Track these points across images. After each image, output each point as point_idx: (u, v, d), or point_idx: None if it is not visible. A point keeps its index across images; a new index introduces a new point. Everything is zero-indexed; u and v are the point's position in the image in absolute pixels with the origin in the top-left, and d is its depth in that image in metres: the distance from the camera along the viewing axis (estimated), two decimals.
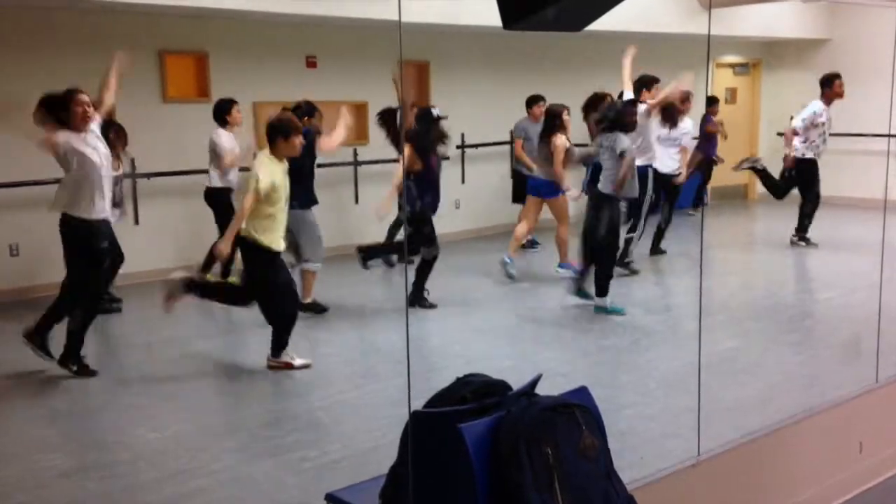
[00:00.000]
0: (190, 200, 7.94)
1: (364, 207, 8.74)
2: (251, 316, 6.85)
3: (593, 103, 7.35)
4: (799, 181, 8.63)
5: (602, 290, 6.45)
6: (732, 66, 12.73)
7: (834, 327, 6.48)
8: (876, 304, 4.83)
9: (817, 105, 8.47)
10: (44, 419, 4.69)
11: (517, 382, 2.55)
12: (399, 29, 2.94)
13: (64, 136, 5.01)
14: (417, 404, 2.48)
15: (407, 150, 6.38)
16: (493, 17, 3.51)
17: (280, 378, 5.25)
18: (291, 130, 5.24)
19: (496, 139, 10.07)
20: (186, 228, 7.94)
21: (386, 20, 6.98)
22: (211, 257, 7.04)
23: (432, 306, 6.62)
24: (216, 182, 7.14)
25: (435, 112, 6.52)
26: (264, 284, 5.26)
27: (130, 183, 7.64)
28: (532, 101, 8.83)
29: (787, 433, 3.58)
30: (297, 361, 5.30)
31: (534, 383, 2.56)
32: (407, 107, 7.57)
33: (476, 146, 10.03)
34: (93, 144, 5.10)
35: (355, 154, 8.92)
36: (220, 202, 7.11)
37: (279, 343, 5.30)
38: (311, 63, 8.71)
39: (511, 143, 9.90)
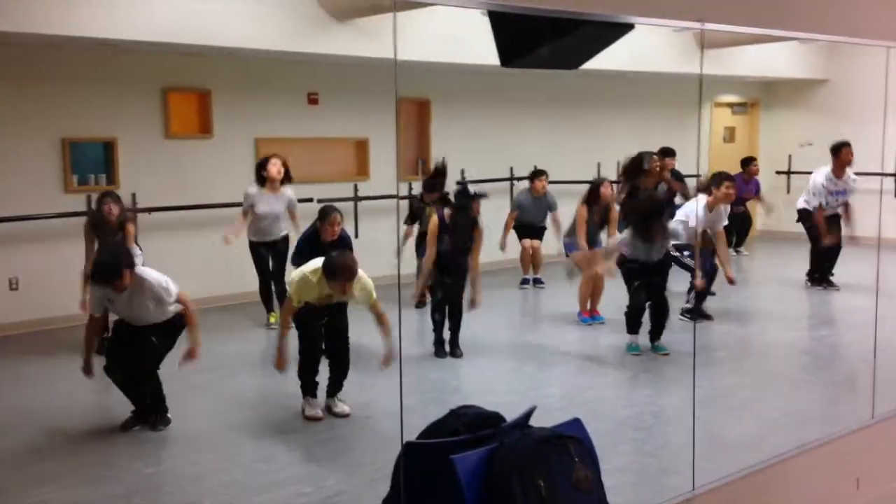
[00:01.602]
0: (191, 235, 7.99)
1: (364, 242, 8.74)
2: (245, 350, 6.88)
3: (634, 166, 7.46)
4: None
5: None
6: (730, 105, 12.86)
7: (830, 364, 6.47)
8: (871, 341, 4.84)
9: (818, 174, 8.61)
10: (37, 453, 4.66)
11: (513, 416, 2.56)
12: (394, 67, 2.99)
13: None
14: (412, 437, 2.50)
15: (434, 219, 6.28)
16: (492, 56, 3.59)
17: (274, 413, 5.23)
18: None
19: (496, 175, 10.14)
20: (188, 263, 7.96)
21: (386, 58, 7.07)
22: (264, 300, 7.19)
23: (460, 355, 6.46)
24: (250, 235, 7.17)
25: (472, 190, 6.44)
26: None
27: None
28: (533, 176, 8.73)
29: (783, 468, 3.57)
30: (307, 412, 5.11)
31: (528, 415, 2.58)
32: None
33: (476, 182, 10.09)
34: None
35: (356, 189, 8.99)
36: (251, 253, 7.17)
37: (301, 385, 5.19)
38: (312, 100, 8.81)
39: (511, 178, 9.99)
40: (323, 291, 4.96)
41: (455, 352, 6.42)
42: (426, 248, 6.37)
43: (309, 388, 5.18)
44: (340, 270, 4.82)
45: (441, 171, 7.22)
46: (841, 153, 8.53)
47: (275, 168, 7.00)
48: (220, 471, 4.38)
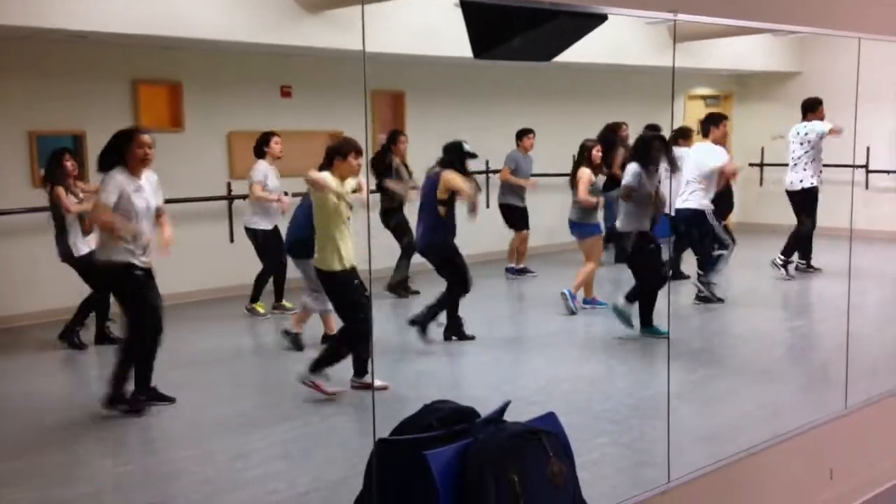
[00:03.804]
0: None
1: None
2: (221, 345, 6.81)
3: (607, 136, 7.49)
4: None
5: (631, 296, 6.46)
6: (704, 98, 12.91)
7: (804, 355, 6.52)
8: (844, 331, 4.87)
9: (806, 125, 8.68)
10: (4, 452, 4.57)
11: (488, 411, 2.54)
12: (363, 59, 2.95)
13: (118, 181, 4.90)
14: (385, 433, 2.47)
15: (452, 175, 6.25)
16: (466, 48, 3.56)
17: (248, 409, 5.18)
18: (349, 150, 5.22)
19: (472, 168, 10.10)
20: (161, 258, 7.87)
21: (359, 50, 7.02)
22: (258, 286, 7.10)
23: (472, 337, 6.42)
24: (249, 221, 7.12)
25: (466, 147, 6.36)
26: (336, 305, 5.29)
27: None
28: (522, 134, 8.98)
29: (757, 460, 3.58)
30: (331, 388, 5.14)
31: (502, 410, 2.56)
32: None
33: None
34: (144, 189, 5.01)
35: None
36: (254, 240, 7.11)
37: (323, 361, 5.15)
38: (285, 93, 8.73)
39: (487, 171, 9.95)
40: (339, 190, 5.15)
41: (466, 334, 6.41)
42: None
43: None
44: (342, 142, 5.25)
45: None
46: (819, 110, 8.54)
47: (278, 147, 7.14)
48: (193, 468, 4.33)
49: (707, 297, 7.53)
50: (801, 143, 8.64)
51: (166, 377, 5.43)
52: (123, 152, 4.94)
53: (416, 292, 7.64)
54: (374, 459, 2.36)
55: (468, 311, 6.64)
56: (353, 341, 5.23)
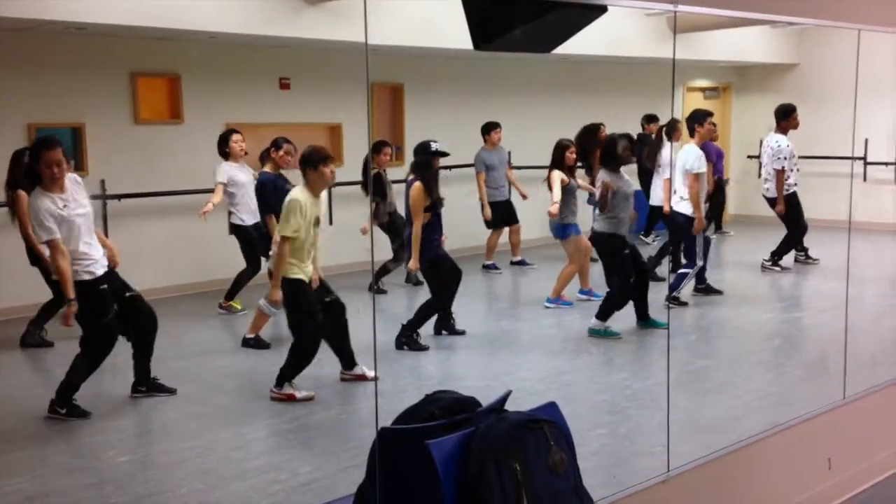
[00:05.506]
0: (162, 222, 7.90)
1: (338, 229, 8.70)
2: (218, 337, 6.83)
3: (585, 136, 7.41)
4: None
5: (602, 314, 6.38)
6: (703, 90, 12.91)
7: (802, 346, 6.54)
8: (843, 322, 4.89)
9: (778, 137, 8.53)
10: (7, 443, 4.59)
11: (489, 401, 2.55)
12: (366, 52, 2.96)
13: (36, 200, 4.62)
14: (387, 423, 2.48)
15: (416, 187, 6.02)
16: (466, 40, 3.57)
17: (249, 400, 5.20)
18: (318, 160, 5.06)
19: (470, 161, 10.12)
20: (159, 250, 7.88)
21: (359, 42, 6.99)
22: (236, 286, 7.03)
23: (462, 332, 6.40)
24: (234, 218, 7.03)
25: (433, 146, 6.18)
26: (286, 313, 5.15)
27: (101, 204, 7.57)
28: (489, 128, 8.75)
29: (755, 449, 3.60)
30: (301, 394, 5.07)
31: (503, 399, 2.57)
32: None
33: (450, 168, 10.03)
34: (72, 202, 4.72)
35: None
36: (239, 239, 7.05)
37: (286, 373, 5.07)
38: (284, 85, 8.73)
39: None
40: (312, 211, 5.05)
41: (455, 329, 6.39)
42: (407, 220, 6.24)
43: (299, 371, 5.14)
44: (320, 151, 5.08)
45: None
46: (792, 117, 8.44)
47: (237, 145, 7.03)
48: (194, 459, 4.34)
49: (705, 289, 7.56)
50: (776, 156, 8.49)
51: (166, 368, 5.45)
52: (36, 170, 4.66)
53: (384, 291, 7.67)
54: (377, 449, 2.37)
55: (465, 305, 6.66)
56: (302, 354, 5.06)
